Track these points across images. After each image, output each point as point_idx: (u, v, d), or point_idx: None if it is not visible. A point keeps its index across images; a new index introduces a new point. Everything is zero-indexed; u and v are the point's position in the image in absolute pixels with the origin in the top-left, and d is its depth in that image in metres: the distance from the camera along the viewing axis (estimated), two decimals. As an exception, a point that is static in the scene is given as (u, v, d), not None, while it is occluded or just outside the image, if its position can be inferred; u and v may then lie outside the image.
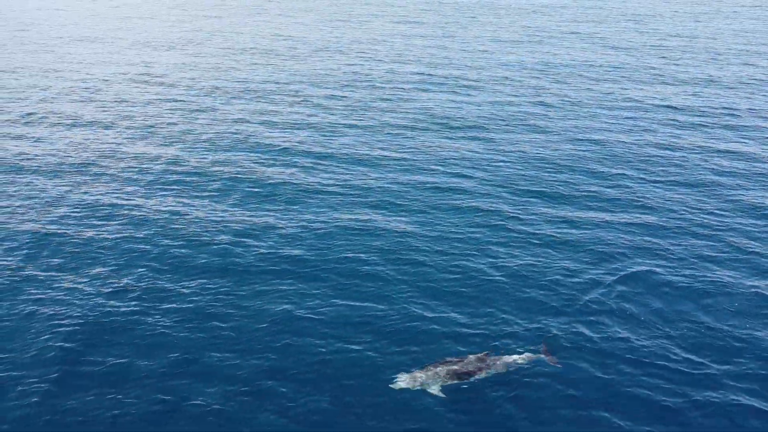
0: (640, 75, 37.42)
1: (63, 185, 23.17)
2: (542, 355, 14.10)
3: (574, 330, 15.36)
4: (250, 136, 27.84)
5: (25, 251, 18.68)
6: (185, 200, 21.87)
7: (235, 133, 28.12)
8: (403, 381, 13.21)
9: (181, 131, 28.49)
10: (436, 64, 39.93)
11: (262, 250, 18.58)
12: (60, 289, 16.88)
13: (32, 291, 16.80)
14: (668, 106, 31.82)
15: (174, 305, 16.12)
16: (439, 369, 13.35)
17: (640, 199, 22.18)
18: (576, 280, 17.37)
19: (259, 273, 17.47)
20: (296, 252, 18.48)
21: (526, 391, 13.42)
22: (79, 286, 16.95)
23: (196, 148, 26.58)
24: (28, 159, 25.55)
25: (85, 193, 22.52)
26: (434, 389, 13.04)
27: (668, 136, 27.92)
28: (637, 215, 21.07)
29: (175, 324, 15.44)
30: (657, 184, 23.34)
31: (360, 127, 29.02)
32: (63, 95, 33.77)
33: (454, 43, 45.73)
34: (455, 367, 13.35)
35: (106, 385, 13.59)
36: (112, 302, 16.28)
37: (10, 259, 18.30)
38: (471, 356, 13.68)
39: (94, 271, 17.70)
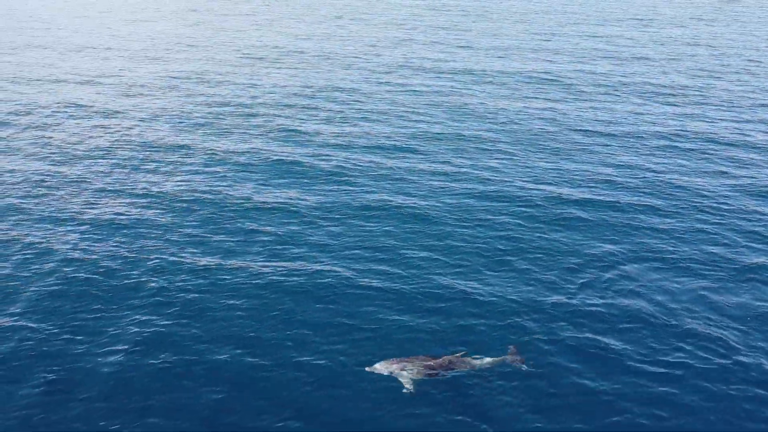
0: (643, 71, 38.07)
1: (103, 175, 23.59)
2: (511, 358, 14.12)
3: (575, 316, 15.63)
4: (274, 128, 28.33)
5: (70, 240, 18.94)
6: (221, 189, 22.34)
7: (262, 126, 28.62)
8: (379, 366, 13.66)
9: (209, 124, 28.95)
10: (443, 60, 40.55)
11: (295, 236, 19.16)
12: (113, 276, 17.14)
13: (80, 275, 17.04)
14: (670, 104, 32.44)
15: (223, 292, 16.49)
16: (416, 362, 13.76)
17: (646, 186, 22.69)
18: (579, 266, 17.74)
19: (295, 257, 18.03)
20: (320, 239, 19.06)
21: (494, 391, 13.48)
22: (127, 273, 17.27)
23: (227, 139, 27.09)
24: (65, 149, 25.98)
25: (125, 183, 22.92)
26: (404, 380, 13.40)
27: (672, 128, 28.47)
28: (645, 201, 21.59)
29: (226, 309, 15.84)
30: (661, 174, 23.84)
31: (373, 119, 29.58)
32: (86, 91, 34.20)
33: (459, 41, 46.38)
34: (430, 362, 13.79)
35: (169, 370, 13.81)
36: (163, 286, 16.63)
37: (57, 246, 18.54)
38: (446, 356, 14.00)
39: (142, 258, 17.99)
